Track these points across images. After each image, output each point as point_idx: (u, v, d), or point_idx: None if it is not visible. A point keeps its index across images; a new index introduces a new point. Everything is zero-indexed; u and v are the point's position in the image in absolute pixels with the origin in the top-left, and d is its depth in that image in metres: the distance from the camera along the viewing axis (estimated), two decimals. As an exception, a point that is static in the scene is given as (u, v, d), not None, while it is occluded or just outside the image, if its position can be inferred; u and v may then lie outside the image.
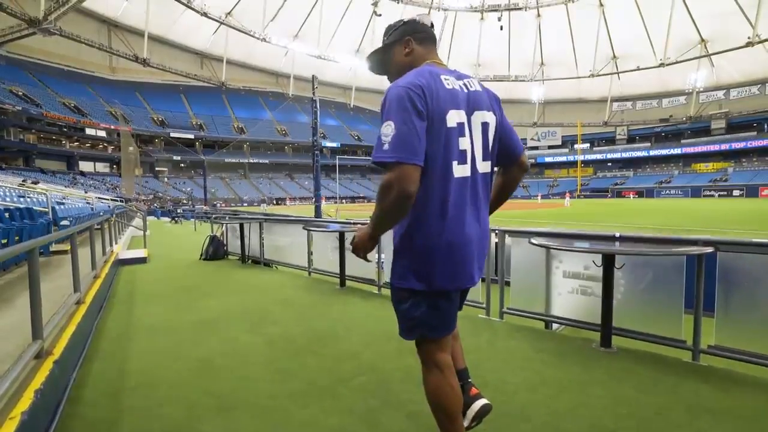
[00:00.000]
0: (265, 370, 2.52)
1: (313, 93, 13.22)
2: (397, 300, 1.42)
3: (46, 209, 7.45)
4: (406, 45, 1.44)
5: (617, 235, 2.90)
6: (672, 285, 2.67)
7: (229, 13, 47.84)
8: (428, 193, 1.27)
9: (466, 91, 1.34)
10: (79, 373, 2.50)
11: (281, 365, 2.59)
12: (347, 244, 4.75)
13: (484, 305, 3.60)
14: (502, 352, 2.77)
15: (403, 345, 2.85)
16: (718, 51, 49.37)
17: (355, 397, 2.16)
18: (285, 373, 2.47)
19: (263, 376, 2.44)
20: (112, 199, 23.73)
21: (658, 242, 2.80)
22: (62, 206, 9.13)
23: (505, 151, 1.46)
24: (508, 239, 3.53)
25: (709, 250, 2.43)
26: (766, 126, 51.69)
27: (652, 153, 59.51)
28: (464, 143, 1.30)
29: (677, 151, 57.50)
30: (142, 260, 6.98)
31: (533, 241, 2.96)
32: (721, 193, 45.82)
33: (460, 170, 1.30)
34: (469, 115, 1.33)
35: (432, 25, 1.47)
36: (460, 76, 1.38)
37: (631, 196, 51.68)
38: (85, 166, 44.97)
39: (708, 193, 46.69)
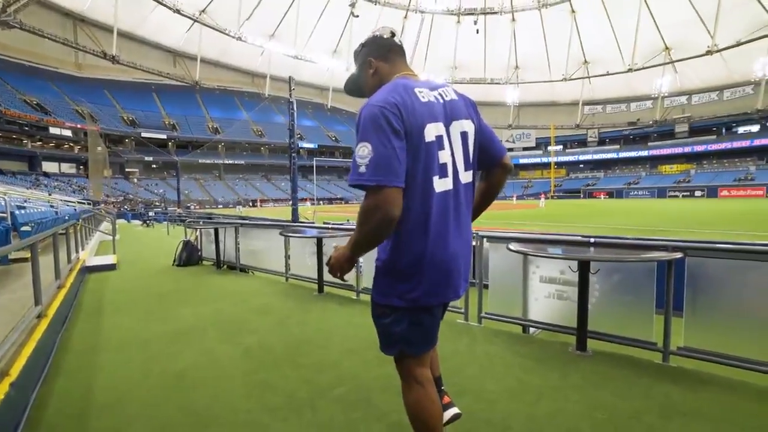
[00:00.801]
0: (242, 383, 2.45)
1: (290, 94, 13.06)
2: (377, 315, 1.39)
3: (5, 214, 7.06)
4: (369, 66, 1.42)
5: (592, 240, 2.96)
6: (643, 288, 2.75)
7: (203, 11, 46.73)
8: (409, 210, 1.24)
9: (442, 101, 1.31)
10: (39, 392, 2.36)
11: (259, 377, 2.52)
12: (325, 249, 4.69)
13: (462, 310, 3.62)
14: (481, 358, 2.78)
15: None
16: (681, 58, 51.68)
17: (336, 410, 2.12)
18: (263, 386, 2.40)
19: (240, 389, 2.37)
20: (78, 202, 22.75)
21: (631, 247, 2.88)
22: (23, 211, 8.67)
23: (486, 155, 1.44)
24: (486, 244, 3.56)
25: (678, 255, 2.52)
26: (724, 130, 54.42)
27: (621, 155, 61.62)
28: (444, 156, 1.28)
29: (644, 153, 59.76)
30: (111, 267, 6.70)
31: (511, 247, 3.00)
32: (685, 193, 47.86)
33: (441, 184, 1.27)
34: (447, 126, 1.30)
35: (393, 35, 1.43)
36: (434, 87, 1.35)
37: (602, 196, 53.33)
38: (49, 166, 42.96)
39: (673, 193, 48.67)
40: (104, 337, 3.38)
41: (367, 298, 4.41)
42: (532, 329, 3.42)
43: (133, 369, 2.71)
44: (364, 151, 1.16)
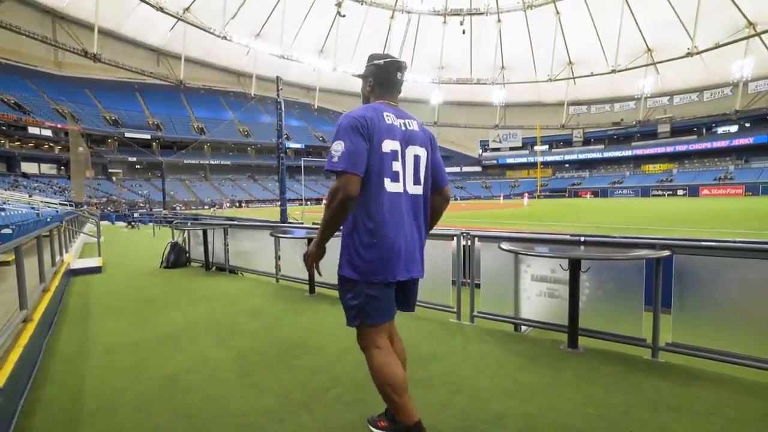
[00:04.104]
0: (236, 386, 2.42)
1: (278, 94, 12.94)
2: (341, 291, 1.71)
3: (-15, 217, 6.86)
4: (368, 84, 1.79)
5: (582, 239, 3.01)
6: (632, 286, 2.80)
7: (187, 9, 46.02)
8: (365, 201, 1.61)
9: (403, 129, 1.69)
10: (27, 399, 2.30)
11: (253, 380, 2.50)
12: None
13: (454, 309, 3.64)
14: (474, 357, 2.80)
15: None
16: (663, 60, 52.83)
17: (331, 411, 2.12)
18: (257, 389, 2.38)
19: (234, 392, 2.35)
20: (60, 203, 22.22)
21: (620, 246, 2.93)
22: (2, 213, 8.43)
23: (433, 181, 1.81)
24: (477, 243, 3.59)
25: (666, 253, 2.57)
26: (704, 130, 55.76)
27: (606, 155, 62.62)
28: (397, 166, 1.64)
29: (628, 153, 60.81)
30: (96, 270, 6.57)
31: (503, 246, 3.03)
32: (667, 192, 48.91)
33: (392, 186, 1.63)
34: (403, 147, 1.67)
35: (399, 69, 1.75)
36: (401, 116, 1.72)
37: (588, 195, 54.18)
38: (29, 167, 41.84)
39: (656, 192, 49.68)
40: (92, 341, 3.31)
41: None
42: (523, 327, 3.45)
43: (123, 373, 2.66)
44: (339, 147, 1.55)
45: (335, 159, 1.54)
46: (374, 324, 1.67)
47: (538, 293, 3.23)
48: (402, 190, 1.66)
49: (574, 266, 2.81)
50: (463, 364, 2.68)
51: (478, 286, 3.61)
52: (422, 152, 1.73)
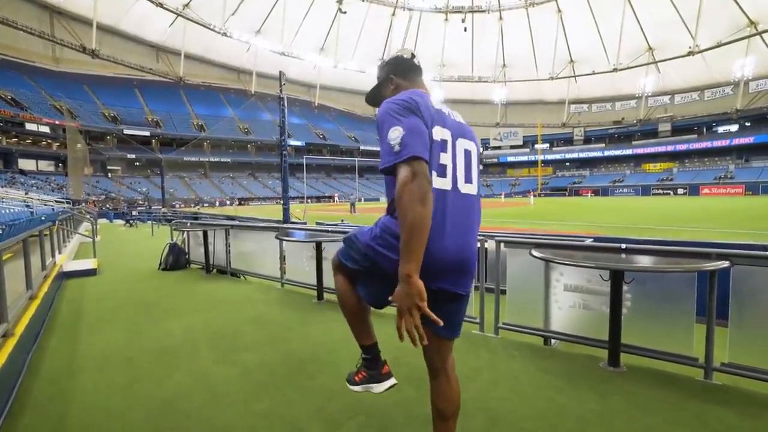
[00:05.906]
0: (242, 413, 2.14)
1: (281, 90, 12.63)
2: (356, 242, 1.49)
3: (-26, 216, 6.55)
4: (391, 83, 1.54)
5: (623, 246, 2.73)
6: (681, 298, 2.52)
7: (186, 5, 45.64)
8: None
9: (453, 118, 1.43)
10: (2, 429, 2.01)
11: (261, 406, 2.22)
12: (325, 254, 4.39)
13: (477, 320, 3.37)
14: (506, 376, 2.52)
15: (399, 371, 2.56)
16: (664, 59, 52.60)
17: (354, 447, 1.84)
18: (267, 417, 2.10)
19: (241, 421, 2.07)
20: (57, 201, 21.86)
21: (668, 254, 2.65)
22: (-5, 211, 8.13)
23: None
24: (503, 248, 3.30)
25: (725, 264, 2.29)
26: (705, 130, 55.55)
27: (607, 153, 62.39)
28: (445, 158, 1.35)
29: (629, 151, 60.60)
30: (91, 272, 6.26)
31: (534, 253, 2.75)
32: (668, 191, 48.71)
33: (439, 182, 1.32)
34: (453, 139, 1.39)
35: (413, 56, 1.55)
36: (442, 106, 1.47)
37: (589, 194, 53.93)
38: (26, 164, 41.41)
39: (656, 191, 49.46)
40: (81, 355, 3.02)
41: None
42: (553, 341, 3.18)
43: (115, 395, 2.37)
44: (396, 133, 1.21)
45: (397, 148, 1.18)
46: (348, 271, 1.56)
47: (572, 304, 2.95)
48: (450, 187, 1.35)
49: (617, 277, 2.53)
50: (496, 386, 2.40)
51: (503, 292, 3.33)
52: (472, 147, 1.46)
